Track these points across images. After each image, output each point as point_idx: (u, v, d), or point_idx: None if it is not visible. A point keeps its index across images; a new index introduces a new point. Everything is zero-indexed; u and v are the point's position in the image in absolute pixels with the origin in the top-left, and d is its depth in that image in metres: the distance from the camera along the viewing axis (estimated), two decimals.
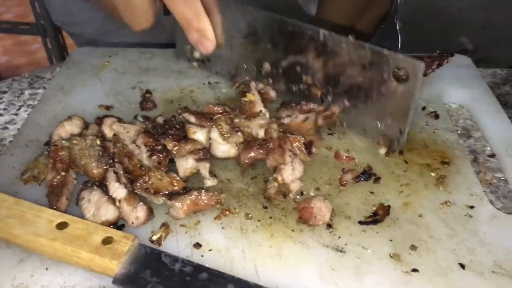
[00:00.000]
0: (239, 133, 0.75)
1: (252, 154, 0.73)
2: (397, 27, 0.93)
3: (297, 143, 0.74)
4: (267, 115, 0.80)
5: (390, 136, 0.76)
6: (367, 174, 0.71)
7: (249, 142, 0.74)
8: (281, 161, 0.71)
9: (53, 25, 2.40)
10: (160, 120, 0.80)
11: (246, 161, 0.73)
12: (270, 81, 0.86)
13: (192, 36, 0.68)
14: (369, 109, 0.76)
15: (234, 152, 0.75)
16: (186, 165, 0.72)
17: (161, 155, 0.72)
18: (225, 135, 0.74)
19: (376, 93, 0.74)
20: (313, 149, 0.75)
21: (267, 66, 0.85)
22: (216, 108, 0.80)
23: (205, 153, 0.72)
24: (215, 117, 0.76)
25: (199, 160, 0.72)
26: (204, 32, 0.68)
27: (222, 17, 0.72)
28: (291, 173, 0.70)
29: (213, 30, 0.69)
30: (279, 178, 0.69)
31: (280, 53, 0.82)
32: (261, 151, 0.73)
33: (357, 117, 0.78)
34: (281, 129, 0.76)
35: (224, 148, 0.74)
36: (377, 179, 0.72)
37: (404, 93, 0.71)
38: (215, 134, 0.75)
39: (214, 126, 0.75)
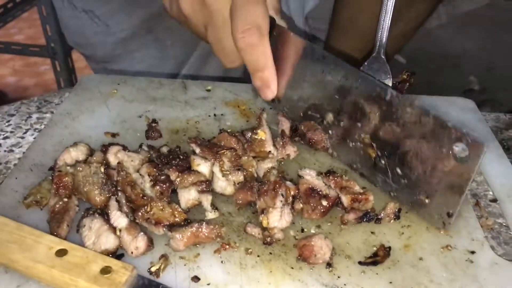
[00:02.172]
0: (240, 172, 0.74)
1: (244, 195, 0.72)
2: (385, 60, 0.92)
3: (292, 192, 0.72)
4: (276, 153, 0.80)
5: (436, 216, 0.71)
6: (370, 216, 0.71)
7: (245, 183, 0.74)
8: (271, 204, 0.69)
9: (63, 48, 2.45)
10: (164, 150, 0.80)
11: (239, 201, 0.73)
12: (330, 132, 0.83)
13: (256, 82, 0.75)
14: (420, 182, 0.71)
15: (230, 190, 0.74)
16: (188, 196, 0.72)
17: (164, 185, 0.72)
18: (225, 172, 0.74)
19: (431, 167, 0.68)
20: (298, 204, 0.72)
21: (330, 116, 0.81)
22: (229, 138, 0.80)
23: (208, 185, 0.73)
24: (220, 152, 0.76)
25: (201, 192, 0.72)
26: (267, 82, 0.74)
27: (296, 69, 0.77)
28: (278, 219, 0.68)
29: (277, 80, 0.75)
30: (265, 221, 0.68)
31: (344, 105, 0.79)
32: (253, 193, 0.72)
33: (406, 189, 0.73)
34: (280, 174, 0.75)
35: (222, 184, 0.74)
36: (378, 220, 0.72)
37: (460, 173, 0.65)
38: (216, 169, 0.75)
39: (216, 162, 0.75)
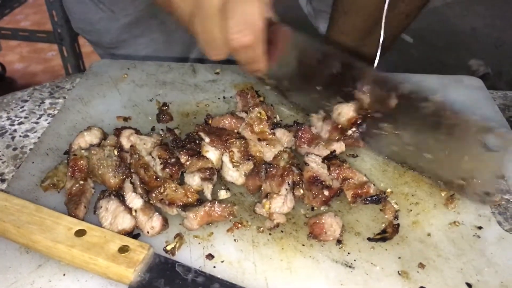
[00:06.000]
0: (250, 162, 0.75)
1: (253, 181, 0.73)
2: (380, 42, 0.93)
3: (293, 178, 0.73)
4: (283, 139, 0.80)
5: (475, 195, 0.73)
6: (374, 199, 0.72)
7: (253, 169, 0.75)
8: (276, 190, 0.70)
9: (70, 34, 2.45)
10: (176, 132, 0.82)
11: (250, 188, 0.74)
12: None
13: (246, 70, 0.78)
14: (454, 168, 0.74)
15: (241, 181, 0.75)
16: (192, 182, 0.73)
17: (173, 168, 0.73)
18: (235, 163, 0.75)
19: (461, 155, 0.72)
20: (298, 191, 0.73)
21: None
22: (233, 119, 0.81)
23: (211, 173, 0.73)
24: (230, 141, 0.76)
25: (204, 179, 0.72)
26: (257, 70, 0.77)
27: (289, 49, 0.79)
28: (280, 205, 0.69)
29: (266, 60, 0.74)
30: (266, 206, 0.69)
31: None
32: (260, 177, 0.73)
33: (440, 173, 0.76)
34: (291, 161, 0.75)
35: (233, 174, 0.75)
36: (385, 199, 0.72)
37: (491, 160, 0.69)
38: (226, 159, 0.76)
39: (226, 151, 0.76)
